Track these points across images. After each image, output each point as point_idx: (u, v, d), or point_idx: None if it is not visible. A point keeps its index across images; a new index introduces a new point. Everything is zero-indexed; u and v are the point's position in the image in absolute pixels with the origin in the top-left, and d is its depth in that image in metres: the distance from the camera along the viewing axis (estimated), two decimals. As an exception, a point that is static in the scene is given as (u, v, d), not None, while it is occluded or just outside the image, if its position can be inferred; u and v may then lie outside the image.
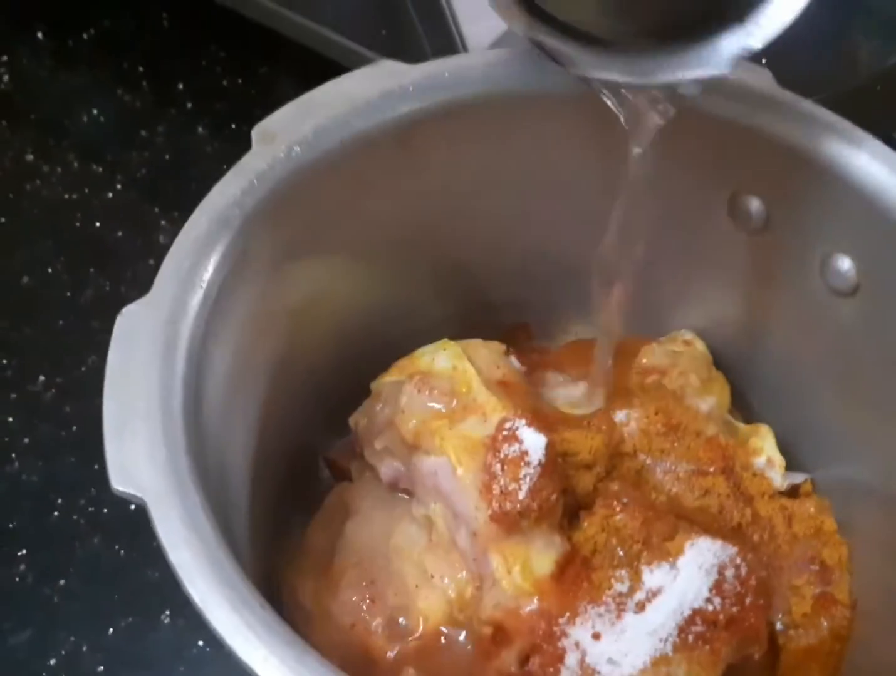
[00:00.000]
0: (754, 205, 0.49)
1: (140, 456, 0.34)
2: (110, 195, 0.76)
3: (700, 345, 0.55)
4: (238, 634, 0.30)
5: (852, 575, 0.49)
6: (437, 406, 0.47)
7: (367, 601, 0.48)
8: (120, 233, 0.73)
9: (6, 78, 0.83)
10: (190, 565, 0.32)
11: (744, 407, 0.56)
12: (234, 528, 0.41)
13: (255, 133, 0.44)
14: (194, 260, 0.39)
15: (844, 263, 0.46)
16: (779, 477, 0.51)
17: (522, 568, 0.44)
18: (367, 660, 0.47)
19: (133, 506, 0.58)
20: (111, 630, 0.56)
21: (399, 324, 0.55)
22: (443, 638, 0.47)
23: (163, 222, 0.74)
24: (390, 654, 0.47)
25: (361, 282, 0.52)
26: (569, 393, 0.52)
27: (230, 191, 0.41)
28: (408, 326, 0.56)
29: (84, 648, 0.56)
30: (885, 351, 0.46)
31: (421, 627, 0.47)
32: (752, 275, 0.51)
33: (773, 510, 0.50)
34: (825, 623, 0.48)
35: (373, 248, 0.50)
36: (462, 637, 0.47)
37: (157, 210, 0.75)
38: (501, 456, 0.44)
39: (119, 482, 0.34)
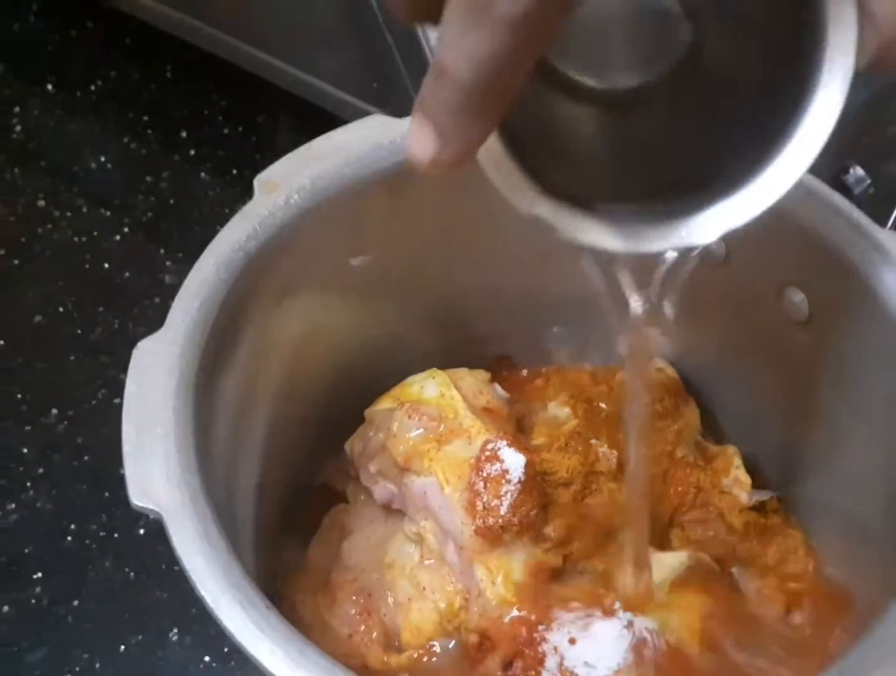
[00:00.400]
0: (715, 242, 0.53)
1: (156, 474, 0.38)
2: (118, 238, 0.80)
3: (671, 372, 0.58)
4: (246, 630, 0.34)
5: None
6: (425, 430, 0.51)
7: (364, 613, 0.52)
8: (127, 274, 0.78)
9: (18, 128, 0.88)
10: (203, 570, 0.35)
11: (713, 429, 0.60)
12: (240, 543, 0.45)
13: (258, 182, 0.48)
14: (203, 298, 0.43)
15: (797, 295, 0.50)
16: (745, 495, 0.55)
17: (505, 579, 0.48)
18: (364, 670, 0.50)
19: (142, 531, 0.64)
20: (122, 647, 0.59)
21: (391, 356, 0.59)
22: (434, 647, 0.50)
23: (168, 263, 0.78)
24: (385, 663, 0.50)
25: (356, 319, 0.56)
26: (554, 414, 0.56)
27: (235, 236, 0.46)
28: (399, 357, 0.60)
29: (97, 665, 0.59)
30: (835, 376, 0.50)
31: (414, 638, 0.50)
32: (714, 307, 0.55)
33: (741, 522, 0.54)
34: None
35: (366, 287, 0.54)
36: (451, 645, 0.50)
37: (162, 251, 0.79)
38: (484, 474, 0.48)
39: (138, 498, 0.37)
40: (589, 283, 0.57)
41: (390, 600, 0.52)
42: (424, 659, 0.51)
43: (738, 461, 0.56)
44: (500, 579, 0.48)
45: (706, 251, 0.53)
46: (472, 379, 0.55)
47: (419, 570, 0.51)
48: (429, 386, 0.54)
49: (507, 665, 0.48)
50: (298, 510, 0.57)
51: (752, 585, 0.53)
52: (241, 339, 0.46)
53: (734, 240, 0.51)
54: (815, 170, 0.49)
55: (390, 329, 0.59)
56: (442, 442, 0.51)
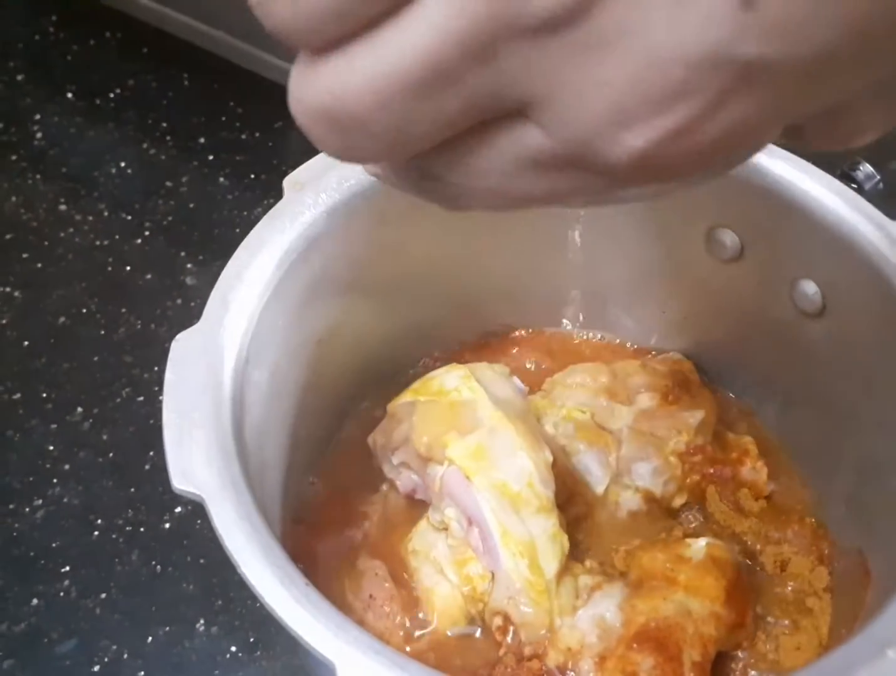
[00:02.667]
0: (728, 237, 0.55)
1: (197, 459, 0.39)
2: (139, 241, 0.81)
3: (688, 365, 0.60)
4: (288, 607, 0.35)
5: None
6: (447, 421, 0.53)
7: (388, 598, 0.53)
8: (149, 276, 0.79)
9: (39, 135, 0.90)
10: (244, 549, 0.37)
11: (728, 420, 0.61)
12: (273, 529, 0.47)
13: (287, 183, 0.50)
14: (237, 292, 0.45)
15: (810, 288, 0.52)
16: (762, 484, 0.56)
17: (530, 563, 0.49)
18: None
19: (167, 525, 0.65)
20: (150, 638, 0.60)
21: (411, 349, 0.61)
22: (457, 631, 0.52)
23: (188, 265, 0.79)
24: (409, 648, 0.52)
25: (380, 313, 0.57)
26: (579, 401, 0.57)
27: (267, 233, 0.47)
28: (419, 350, 0.62)
29: (125, 655, 0.60)
30: (849, 366, 0.52)
31: (437, 622, 0.52)
32: (729, 301, 0.57)
33: (758, 509, 0.55)
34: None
35: (391, 282, 0.56)
36: (475, 629, 0.52)
37: (182, 254, 0.80)
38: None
39: (180, 482, 0.39)
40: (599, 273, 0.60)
41: (414, 585, 0.53)
42: (448, 643, 0.52)
43: (754, 451, 0.57)
44: (525, 562, 0.49)
45: (720, 246, 0.55)
46: (492, 373, 0.56)
47: (443, 556, 0.53)
48: (449, 380, 0.55)
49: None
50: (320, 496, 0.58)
51: (771, 568, 0.54)
52: (273, 334, 0.47)
53: (748, 234, 0.54)
54: (825, 165, 0.52)
55: (411, 321, 0.60)
56: (463, 432, 0.52)
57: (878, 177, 0.59)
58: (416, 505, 0.56)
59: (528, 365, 0.63)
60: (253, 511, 0.38)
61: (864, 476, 0.53)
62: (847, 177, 0.55)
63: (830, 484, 0.56)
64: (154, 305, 0.77)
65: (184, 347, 0.43)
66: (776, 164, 0.52)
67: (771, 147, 0.52)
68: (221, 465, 0.39)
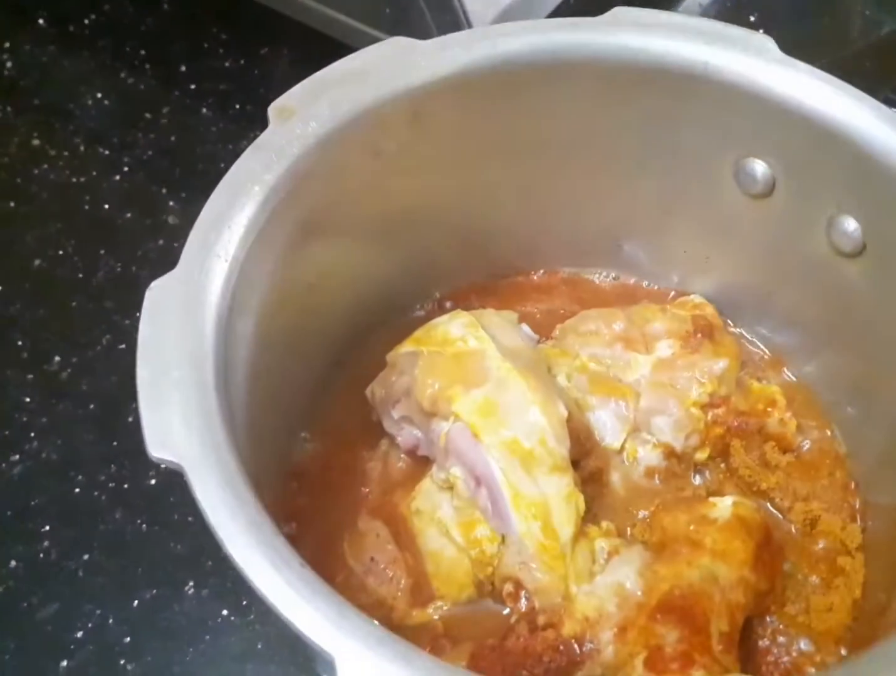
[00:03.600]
0: (759, 168, 0.50)
1: (175, 423, 0.35)
2: (117, 177, 0.76)
3: (710, 309, 0.56)
4: (281, 592, 0.31)
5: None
6: (452, 374, 0.48)
7: (392, 562, 0.49)
8: (129, 215, 0.74)
9: (9, 64, 0.84)
10: (229, 527, 0.33)
11: (756, 367, 0.57)
12: (264, 491, 0.43)
13: (272, 110, 0.44)
14: (218, 234, 0.40)
15: (850, 224, 0.47)
16: (791, 436, 0.52)
17: (544, 526, 0.45)
18: (388, 622, 0.48)
19: (153, 481, 0.61)
20: (136, 602, 0.57)
21: (408, 292, 0.57)
22: (465, 597, 0.48)
23: (171, 203, 0.74)
24: (414, 616, 0.48)
25: (377, 254, 0.53)
26: (593, 351, 0.53)
27: (251, 167, 0.42)
28: (416, 293, 0.58)
29: (110, 620, 0.56)
30: (890, 311, 0.47)
31: (445, 587, 0.48)
32: (759, 239, 0.52)
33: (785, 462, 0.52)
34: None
35: (388, 220, 0.51)
36: (484, 595, 0.48)
37: (164, 191, 0.75)
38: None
39: (156, 449, 0.35)
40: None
41: (419, 548, 0.50)
42: (455, 610, 0.48)
43: (782, 401, 0.53)
44: (538, 524, 0.45)
45: (750, 179, 0.50)
46: (500, 320, 0.52)
47: (449, 518, 0.49)
48: (454, 328, 0.51)
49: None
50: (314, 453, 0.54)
51: (800, 526, 0.51)
52: (259, 278, 0.43)
53: (783, 166, 0.49)
54: (867, 89, 0.47)
55: (408, 263, 0.56)
56: (470, 385, 0.48)
57: (926, 101, 0.54)
58: (419, 462, 0.52)
59: (537, 311, 0.59)
60: (239, 480, 0.34)
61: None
62: (892, 103, 0.50)
63: (863, 437, 0.52)
64: (135, 246, 0.72)
65: (160, 296, 0.38)
66: (815, 87, 0.47)
67: (809, 67, 0.47)
68: (203, 429, 0.35)
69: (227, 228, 0.40)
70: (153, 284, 0.38)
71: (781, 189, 0.49)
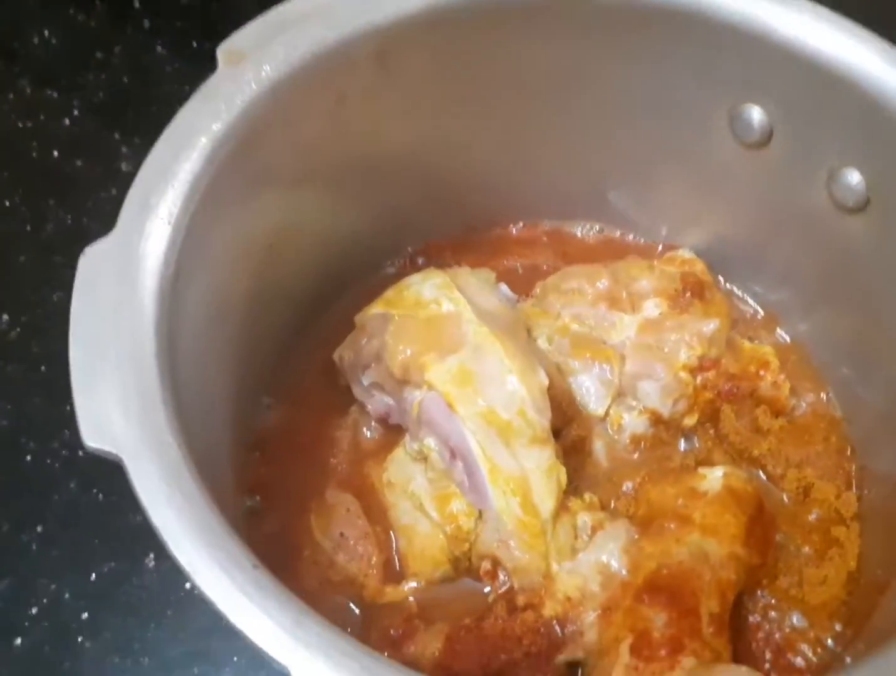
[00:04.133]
0: (756, 115, 0.46)
1: (113, 408, 0.32)
2: (67, 122, 0.71)
3: (700, 266, 0.52)
4: (230, 599, 0.28)
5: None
6: (425, 339, 0.45)
7: (362, 538, 0.46)
8: (79, 162, 0.69)
9: (-55, -1, 0.78)
10: (174, 526, 0.29)
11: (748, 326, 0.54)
12: (219, 475, 0.39)
13: (221, 52, 0.40)
14: (160, 194, 0.36)
15: (853, 177, 0.44)
16: (783, 399, 0.50)
17: (523, 501, 0.42)
18: (359, 601, 0.46)
19: None
20: (93, 575, 0.54)
21: (377, 249, 0.53)
22: (440, 575, 0.45)
23: (124, 149, 0.69)
24: (386, 594, 0.45)
25: (339, 208, 0.49)
26: (576, 311, 0.50)
27: (196, 117, 0.38)
28: (386, 250, 0.54)
29: (66, 595, 0.53)
30: (892, 266, 0.44)
31: (418, 564, 0.45)
32: (754, 191, 0.49)
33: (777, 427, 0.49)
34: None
35: (353, 171, 0.47)
36: (461, 573, 0.46)
37: (117, 136, 0.70)
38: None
39: (91, 438, 0.31)
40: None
41: (391, 523, 0.47)
42: (429, 589, 0.46)
43: (775, 362, 0.50)
44: (517, 500, 0.42)
45: (746, 126, 0.47)
46: (476, 280, 0.49)
47: (423, 491, 0.46)
48: (427, 289, 0.47)
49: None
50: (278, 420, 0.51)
51: (792, 494, 0.48)
52: (209, 241, 0.39)
53: (781, 113, 0.45)
54: (878, 30, 0.43)
55: (376, 217, 0.52)
56: (444, 352, 0.44)
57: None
58: (391, 431, 0.49)
59: (518, 266, 0.55)
60: (185, 472, 0.31)
61: (891, 380, 0.46)
62: (899, 42, 0.46)
63: (860, 400, 0.50)
64: (86, 196, 0.67)
65: (94, 264, 0.34)
66: (817, 26, 0.43)
67: (812, 5, 0.43)
68: (143, 414, 0.31)
69: (170, 186, 0.36)
70: (86, 250, 0.35)
71: (779, 138, 0.46)
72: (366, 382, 0.48)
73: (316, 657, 0.28)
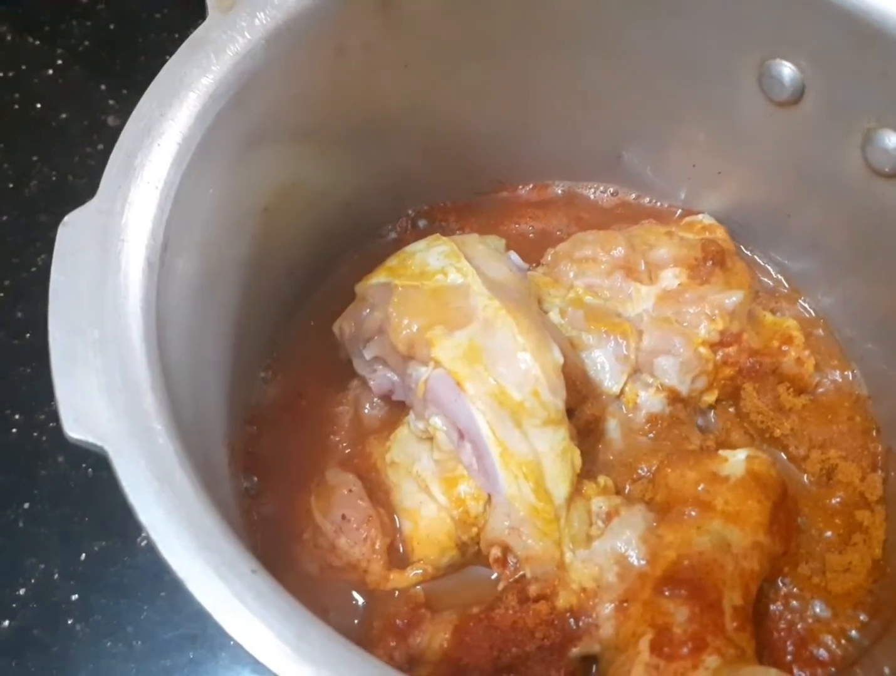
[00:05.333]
0: (787, 71, 0.43)
1: (96, 395, 0.29)
2: (51, 72, 0.68)
3: (721, 232, 0.49)
4: (227, 607, 0.26)
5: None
6: (432, 312, 0.42)
7: (365, 521, 0.44)
8: (64, 115, 0.66)
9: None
10: (165, 526, 0.27)
11: (771, 297, 0.51)
12: (213, 457, 0.37)
13: (211, -2, 0.37)
14: (145, 154, 0.33)
15: (891, 140, 0.41)
16: (808, 376, 0.47)
17: (536, 487, 0.40)
18: (362, 587, 0.43)
19: None
20: (83, 555, 0.52)
21: (383, 211, 0.51)
22: (448, 561, 0.43)
23: (110, 101, 0.66)
24: (390, 580, 0.43)
25: (341, 168, 0.46)
26: (590, 281, 0.47)
27: (184, 71, 0.35)
28: (395, 211, 0.51)
29: (55, 576, 0.51)
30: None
31: (424, 549, 0.43)
32: (782, 153, 0.46)
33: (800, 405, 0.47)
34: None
35: (353, 128, 0.45)
36: (468, 559, 0.43)
37: (103, 87, 0.67)
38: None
39: (73, 428, 0.29)
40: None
41: (395, 505, 0.44)
42: (436, 575, 0.43)
43: (799, 337, 0.47)
44: (529, 485, 0.40)
45: (776, 83, 0.43)
46: (485, 248, 0.46)
47: (428, 472, 0.43)
48: (432, 257, 0.44)
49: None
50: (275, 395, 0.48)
51: (815, 476, 0.46)
52: (200, 204, 0.36)
53: (814, 69, 0.42)
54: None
55: (378, 178, 0.49)
56: (452, 326, 0.42)
57: None
58: (395, 407, 0.47)
59: (529, 231, 0.52)
60: (175, 466, 0.28)
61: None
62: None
63: (888, 377, 0.47)
64: (71, 151, 0.64)
65: (74, 235, 0.31)
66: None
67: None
68: (129, 402, 0.29)
69: (157, 146, 0.33)
70: (66, 219, 0.32)
71: (811, 96, 0.43)
72: (368, 356, 0.45)
73: (320, 672, 0.25)
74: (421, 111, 0.47)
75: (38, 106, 0.67)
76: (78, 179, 0.64)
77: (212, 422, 0.40)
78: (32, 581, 0.51)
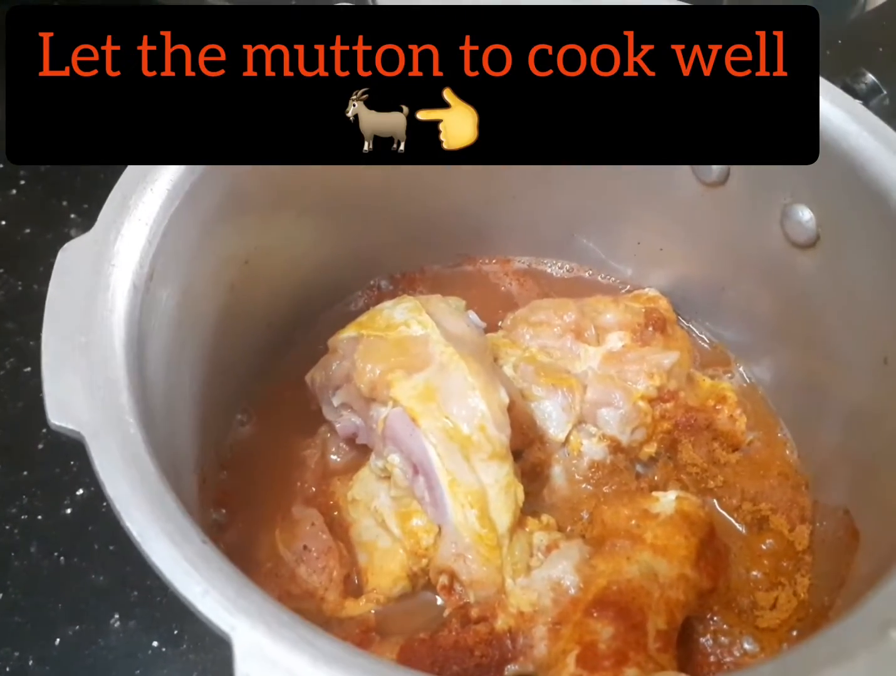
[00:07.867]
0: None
1: (79, 389, 0.33)
2: (14, 191, 0.71)
3: (664, 302, 0.54)
4: (177, 568, 0.29)
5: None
6: (393, 359, 0.47)
7: (325, 552, 0.47)
8: (28, 230, 0.69)
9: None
10: (128, 498, 0.31)
11: (707, 363, 0.56)
12: (184, 487, 0.40)
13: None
14: (139, 196, 0.38)
15: (804, 214, 0.46)
16: (740, 434, 0.51)
17: (480, 515, 0.43)
18: (317, 615, 0.46)
19: (69, 510, 0.55)
20: (58, 640, 0.52)
21: (357, 277, 0.55)
22: (399, 590, 0.46)
23: (72, 215, 0.69)
24: (344, 607, 0.46)
25: (320, 234, 0.51)
26: (543, 342, 0.52)
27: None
28: (367, 276, 0.56)
29: (30, 662, 0.51)
30: (843, 302, 0.46)
31: (378, 579, 0.46)
32: (713, 229, 0.51)
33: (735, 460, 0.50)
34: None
35: (332, 198, 0.49)
36: (419, 588, 0.46)
37: (65, 203, 0.70)
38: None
39: (56, 417, 0.32)
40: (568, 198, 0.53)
41: (354, 539, 0.48)
42: (388, 603, 0.46)
43: (733, 398, 0.51)
44: (474, 512, 0.43)
45: (705, 168, 0.49)
46: (446, 306, 0.50)
47: (385, 508, 0.47)
48: (398, 313, 0.49)
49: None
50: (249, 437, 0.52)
51: (747, 527, 0.49)
52: (185, 244, 0.41)
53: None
54: (824, 71, 0.45)
55: (354, 246, 0.54)
56: (411, 370, 0.46)
57: (885, 92, 0.52)
58: (359, 452, 0.50)
59: (487, 299, 0.57)
60: (143, 454, 0.32)
61: (853, 426, 0.47)
62: (848, 90, 0.49)
63: (814, 436, 0.51)
64: (36, 263, 0.66)
65: (72, 258, 0.36)
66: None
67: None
68: (107, 397, 0.33)
69: (149, 190, 0.38)
70: (66, 246, 0.36)
71: (735, 176, 0.48)
72: (336, 402, 0.49)
73: (257, 625, 0.28)
74: (392, 191, 0.52)
75: (3, 223, 0.69)
76: (43, 287, 0.61)
77: (185, 454, 0.43)
78: (7, 669, 0.51)
